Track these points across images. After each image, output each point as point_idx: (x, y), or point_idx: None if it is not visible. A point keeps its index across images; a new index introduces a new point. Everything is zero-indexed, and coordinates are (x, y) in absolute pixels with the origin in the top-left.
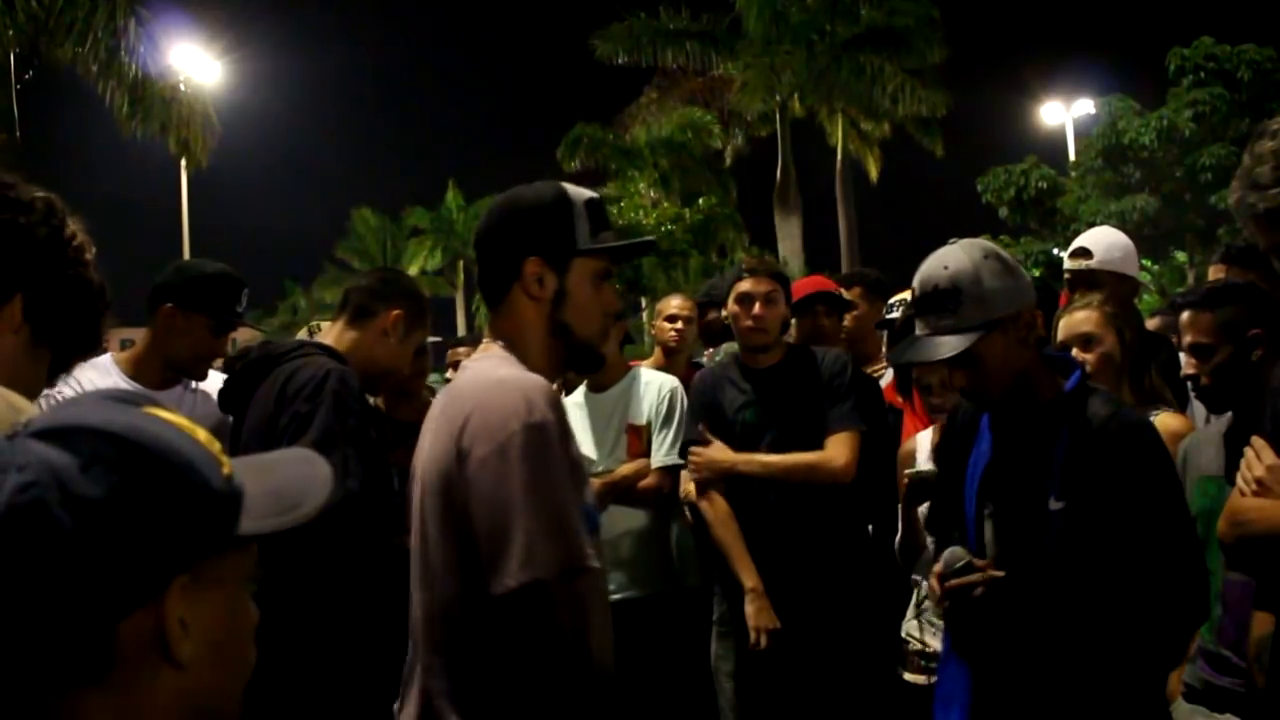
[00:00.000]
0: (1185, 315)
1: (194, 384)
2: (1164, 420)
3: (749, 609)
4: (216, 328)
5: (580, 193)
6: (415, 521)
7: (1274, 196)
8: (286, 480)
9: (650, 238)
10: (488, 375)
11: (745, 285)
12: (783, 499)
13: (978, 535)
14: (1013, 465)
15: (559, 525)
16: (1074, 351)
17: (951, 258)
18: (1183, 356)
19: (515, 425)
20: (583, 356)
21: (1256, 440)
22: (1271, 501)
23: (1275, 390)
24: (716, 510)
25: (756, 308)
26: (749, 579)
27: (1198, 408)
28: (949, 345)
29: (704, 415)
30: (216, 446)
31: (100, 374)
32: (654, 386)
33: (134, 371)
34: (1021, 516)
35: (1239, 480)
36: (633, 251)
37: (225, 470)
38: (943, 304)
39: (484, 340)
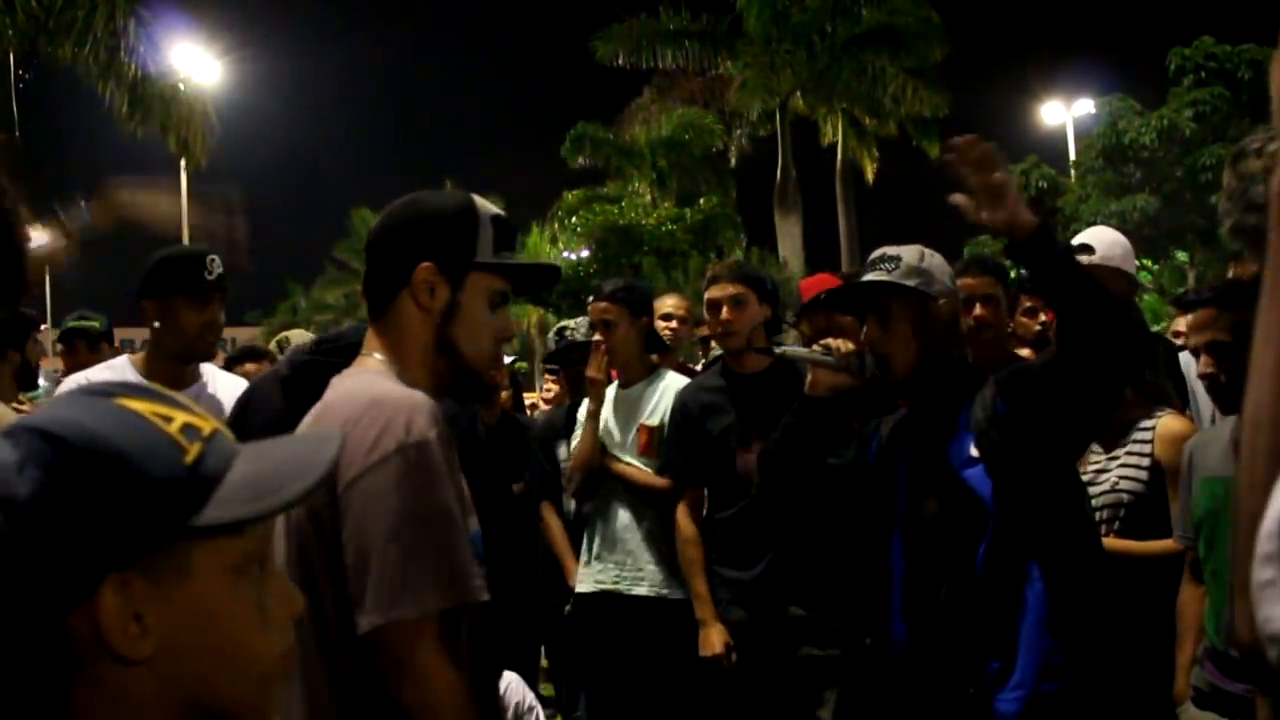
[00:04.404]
0: (1201, 314)
1: (208, 384)
2: (1166, 423)
3: (702, 639)
4: (193, 301)
5: (489, 207)
6: (289, 549)
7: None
8: (282, 463)
9: (554, 264)
10: (362, 391)
11: (710, 293)
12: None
13: (907, 528)
14: (931, 449)
15: (439, 557)
16: None
17: (904, 246)
18: (1188, 354)
19: (391, 445)
20: (466, 382)
21: None
22: None
23: None
24: (684, 531)
25: (723, 313)
26: (703, 610)
27: (1200, 407)
28: (872, 278)
29: (687, 435)
30: (200, 432)
31: (114, 374)
32: (671, 390)
33: (146, 371)
34: (952, 480)
35: None
36: (535, 276)
37: (188, 458)
38: (883, 262)
39: (361, 354)
